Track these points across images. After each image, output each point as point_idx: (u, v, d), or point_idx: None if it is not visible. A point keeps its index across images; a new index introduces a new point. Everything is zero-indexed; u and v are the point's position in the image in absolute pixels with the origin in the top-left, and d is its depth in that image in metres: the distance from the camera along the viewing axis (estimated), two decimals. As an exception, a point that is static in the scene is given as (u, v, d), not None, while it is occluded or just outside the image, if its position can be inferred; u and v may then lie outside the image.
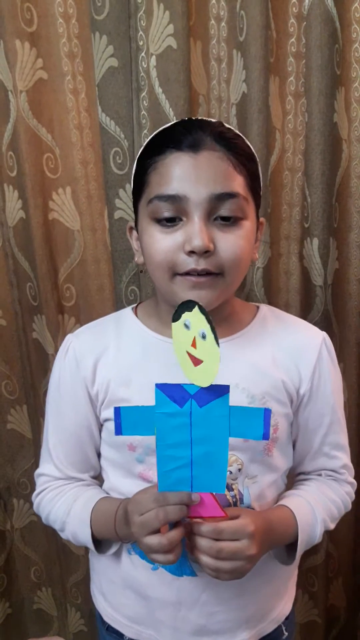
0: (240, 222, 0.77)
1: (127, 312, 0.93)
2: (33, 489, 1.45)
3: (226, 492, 0.83)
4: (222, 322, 0.85)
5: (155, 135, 0.81)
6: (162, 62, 1.11)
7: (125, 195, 1.19)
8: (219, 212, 0.75)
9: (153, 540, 0.71)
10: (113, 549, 0.88)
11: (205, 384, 0.65)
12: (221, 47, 1.17)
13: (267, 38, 1.10)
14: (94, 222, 1.26)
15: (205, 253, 0.74)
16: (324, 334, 0.90)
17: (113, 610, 0.93)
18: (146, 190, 0.78)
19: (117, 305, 1.29)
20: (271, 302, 1.24)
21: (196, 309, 0.63)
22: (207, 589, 0.85)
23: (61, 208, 1.24)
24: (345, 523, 1.41)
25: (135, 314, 0.91)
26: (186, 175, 0.74)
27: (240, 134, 0.82)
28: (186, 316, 0.64)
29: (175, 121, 0.82)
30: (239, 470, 0.83)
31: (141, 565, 0.87)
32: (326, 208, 1.17)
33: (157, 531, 0.72)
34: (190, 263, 0.75)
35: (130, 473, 0.85)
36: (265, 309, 0.93)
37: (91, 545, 0.87)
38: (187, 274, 0.76)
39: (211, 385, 0.65)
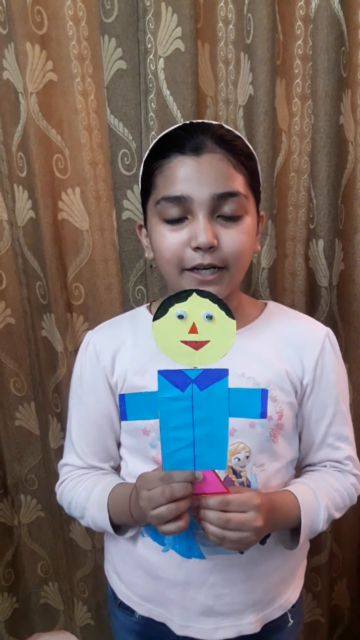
0: (242, 219, 0.82)
1: (142, 309, 0.99)
2: (40, 486, 1.48)
3: (234, 479, 0.86)
4: None
5: (160, 138, 0.86)
6: (170, 65, 1.12)
7: (133, 196, 1.21)
8: (222, 211, 0.80)
9: (162, 509, 0.74)
10: (130, 533, 0.92)
11: (218, 359, 0.69)
12: (229, 49, 1.18)
13: (274, 40, 1.11)
14: (102, 222, 1.27)
15: (210, 249, 0.79)
16: (327, 329, 0.94)
17: (126, 588, 0.98)
18: (153, 192, 0.84)
19: (125, 304, 1.30)
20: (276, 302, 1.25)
21: (194, 295, 0.68)
22: (214, 571, 0.88)
23: (70, 208, 1.26)
24: (350, 524, 1.41)
25: (150, 310, 0.97)
26: (190, 177, 0.79)
27: (240, 135, 0.86)
28: (179, 307, 0.68)
29: (178, 124, 0.86)
30: (247, 457, 0.86)
31: (153, 547, 0.91)
32: (332, 210, 1.18)
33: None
34: (197, 258, 0.80)
35: (145, 458, 0.90)
36: (272, 305, 0.98)
37: (110, 529, 0.91)
38: (194, 269, 0.81)
39: (211, 370, 0.69)
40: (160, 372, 0.70)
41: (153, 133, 1.14)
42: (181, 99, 1.13)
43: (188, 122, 0.87)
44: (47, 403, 1.39)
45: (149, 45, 1.11)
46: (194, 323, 0.68)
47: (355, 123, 1.16)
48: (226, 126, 0.85)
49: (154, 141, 0.87)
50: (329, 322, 1.25)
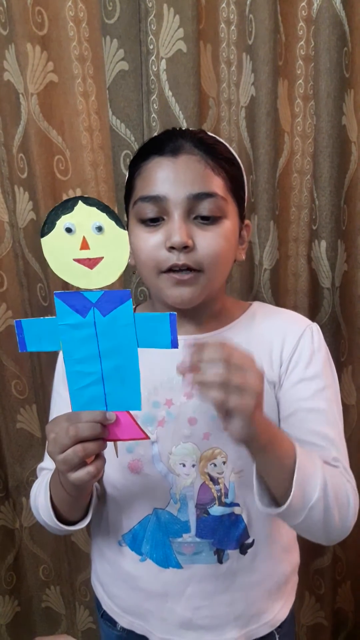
0: (220, 221, 0.80)
1: None
2: (42, 488, 1.47)
3: (211, 486, 0.84)
4: (212, 318, 0.89)
5: (143, 145, 0.87)
6: (172, 66, 1.11)
7: (134, 197, 1.21)
8: (198, 211, 0.79)
9: (68, 452, 0.68)
10: (81, 524, 0.87)
11: (115, 277, 0.62)
12: (231, 50, 1.18)
13: (276, 41, 1.10)
14: (103, 224, 1.27)
15: (185, 249, 0.77)
16: (313, 323, 0.90)
17: (109, 599, 0.96)
18: (132, 193, 0.84)
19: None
20: (278, 303, 1.25)
21: (80, 203, 0.60)
22: (192, 582, 0.87)
23: (71, 210, 1.25)
24: (354, 526, 1.40)
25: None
26: (166, 177, 0.79)
27: (222, 141, 0.86)
28: (65, 218, 0.61)
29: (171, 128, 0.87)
30: (224, 463, 0.84)
31: (130, 557, 0.89)
32: (334, 210, 1.17)
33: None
34: (172, 259, 0.78)
35: (120, 464, 0.86)
36: (256, 305, 0.95)
37: (52, 514, 0.84)
38: (170, 270, 0.79)
39: (113, 292, 0.63)
40: (57, 295, 0.63)
41: (155, 134, 1.14)
42: (183, 100, 1.13)
43: (171, 128, 0.88)
44: (49, 405, 1.37)
45: (151, 47, 1.11)
46: (84, 237, 0.61)
47: (357, 123, 1.16)
48: (210, 133, 0.86)
49: (139, 147, 0.87)
50: (332, 323, 1.24)
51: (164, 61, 1.11)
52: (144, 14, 1.10)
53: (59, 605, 1.60)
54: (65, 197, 1.23)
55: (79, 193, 1.24)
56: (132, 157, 0.87)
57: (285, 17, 1.13)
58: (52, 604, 1.60)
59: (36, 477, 1.45)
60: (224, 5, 1.16)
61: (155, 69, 1.12)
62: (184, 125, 1.14)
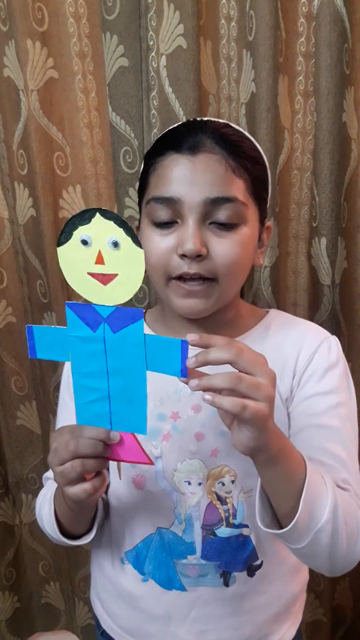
0: (238, 228, 0.75)
1: None
2: (41, 485, 1.48)
3: (219, 506, 0.81)
4: (225, 326, 0.84)
5: (161, 135, 0.81)
6: (172, 62, 1.11)
7: (134, 194, 1.20)
8: (215, 217, 0.74)
9: (66, 465, 0.66)
10: (85, 538, 0.86)
11: (128, 296, 0.59)
12: (231, 46, 1.18)
13: (277, 38, 1.10)
14: (103, 221, 1.26)
15: (198, 257, 0.73)
16: (332, 336, 0.86)
17: (109, 618, 0.93)
18: (146, 190, 0.79)
19: (125, 304, 1.29)
20: (278, 301, 1.25)
21: (97, 216, 0.57)
22: (197, 605, 0.83)
23: (71, 206, 1.25)
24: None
25: (144, 319, 0.92)
26: (182, 178, 0.73)
27: (249, 136, 0.81)
28: (82, 230, 0.57)
29: (183, 121, 0.83)
30: (232, 482, 0.80)
31: (133, 576, 0.86)
32: (334, 207, 1.17)
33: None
34: (183, 266, 0.74)
35: (125, 478, 0.84)
36: (273, 314, 0.90)
37: (55, 526, 0.83)
38: (180, 277, 0.75)
39: (125, 310, 0.60)
40: (69, 305, 0.61)
41: (155, 131, 1.14)
42: (183, 96, 1.13)
43: (192, 119, 0.81)
44: (48, 402, 1.38)
45: (151, 43, 1.10)
46: (99, 251, 0.58)
47: (358, 120, 1.15)
48: (235, 126, 0.80)
49: (157, 137, 0.83)
50: (332, 320, 1.24)
51: (164, 57, 1.11)
52: (144, 10, 1.10)
53: (59, 601, 1.60)
54: (65, 194, 1.24)
55: (79, 190, 1.24)
56: (137, 151, 0.82)
57: (286, 13, 1.12)
58: (52, 599, 1.60)
59: (35, 474, 1.48)
60: (224, 1, 1.15)
61: (155, 65, 1.12)
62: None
